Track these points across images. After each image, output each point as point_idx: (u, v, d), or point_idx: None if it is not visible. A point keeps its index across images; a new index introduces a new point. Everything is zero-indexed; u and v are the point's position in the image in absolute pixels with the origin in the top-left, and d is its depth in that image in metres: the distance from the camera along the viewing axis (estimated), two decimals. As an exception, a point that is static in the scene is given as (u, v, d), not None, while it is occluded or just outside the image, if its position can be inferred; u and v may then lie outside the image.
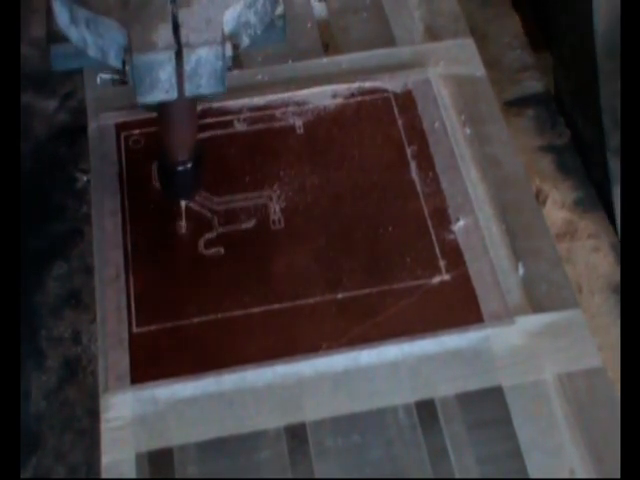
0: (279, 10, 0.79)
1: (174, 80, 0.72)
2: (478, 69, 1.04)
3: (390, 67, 1.03)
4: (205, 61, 0.71)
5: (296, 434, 0.81)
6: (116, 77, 1.01)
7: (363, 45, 1.06)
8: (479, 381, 0.83)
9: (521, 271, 0.89)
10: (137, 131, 0.98)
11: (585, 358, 0.84)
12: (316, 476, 0.79)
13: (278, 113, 1.00)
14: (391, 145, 0.97)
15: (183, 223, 0.91)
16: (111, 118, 1.00)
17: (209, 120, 0.99)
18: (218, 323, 0.86)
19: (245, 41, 0.75)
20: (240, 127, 0.99)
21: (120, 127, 0.99)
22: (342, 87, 1.01)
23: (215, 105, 1.00)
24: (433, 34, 1.08)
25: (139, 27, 0.71)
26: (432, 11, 1.10)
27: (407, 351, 0.84)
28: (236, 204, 0.93)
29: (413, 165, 0.96)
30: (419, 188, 0.94)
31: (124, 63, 0.72)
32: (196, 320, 0.86)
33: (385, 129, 0.99)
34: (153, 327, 0.86)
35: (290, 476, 0.79)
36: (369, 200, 0.93)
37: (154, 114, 0.99)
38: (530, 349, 0.84)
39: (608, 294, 0.98)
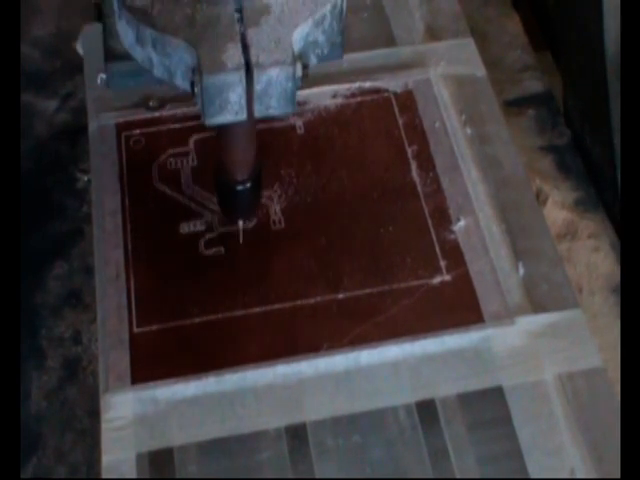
0: (341, 26, 0.77)
1: (244, 101, 0.70)
2: (478, 69, 1.04)
3: (390, 67, 1.03)
4: (275, 82, 0.69)
5: (297, 434, 0.81)
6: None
7: (363, 45, 1.06)
8: (479, 381, 0.83)
9: (521, 271, 0.89)
10: (137, 131, 0.98)
11: (585, 358, 0.84)
12: (316, 476, 0.79)
13: (278, 113, 1.00)
14: (391, 145, 0.97)
15: (240, 240, 0.90)
16: (111, 118, 0.99)
17: (209, 120, 0.99)
18: (219, 323, 0.86)
19: (313, 60, 0.73)
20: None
21: (121, 127, 0.99)
22: (342, 87, 1.01)
23: (215, 105, 1.00)
24: (433, 34, 1.08)
25: (208, 47, 0.69)
26: (432, 11, 1.10)
27: (408, 351, 0.84)
28: (236, 204, 0.93)
29: (413, 165, 0.96)
30: (419, 188, 0.94)
31: (192, 84, 0.70)
32: (197, 320, 0.86)
33: (385, 129, 0.99)
34: (154, 327, 0.86)
35: (290, 476, 0.79)
36: (369, 200, 0.93)
37: (155, 114, 0.99)
38: (530, 349, 0.84)
39: (608, 294, 0.98)
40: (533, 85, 1.15)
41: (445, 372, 0.83)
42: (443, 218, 0.92)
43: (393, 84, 1.02)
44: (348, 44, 1.06)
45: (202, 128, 0.98)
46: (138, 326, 0.86)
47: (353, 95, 1.01)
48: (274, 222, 0.92)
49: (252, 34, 0.70)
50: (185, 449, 0.80)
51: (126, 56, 0.76)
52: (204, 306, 0.87)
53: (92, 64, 1.05)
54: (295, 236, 0.91)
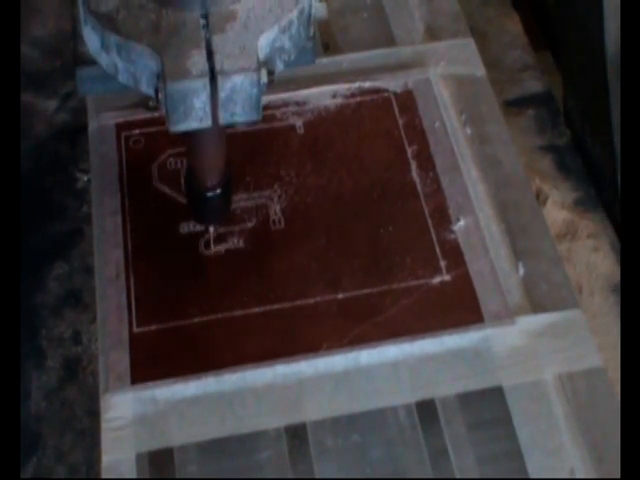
0: (309, 31, 0.77)
1: (208, 108, 0.69)
2: (478, 69, 1.04)
3: (390, 67, 1.03)
4: (240, 88, 0.69)
5: (296, 434, 0.81)
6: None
7: (363, 45, 1.06)
8: (479, 381, 0.83)
9: (521, 271, 0.89)
10: (137, 131, 0.98)
11: (585, 358, 0.84)
12: (316, 476, 0.79)
13: (278, 113, 1.00)
14: (391, 145, 0.97)
15: (211, 247, 0.90)
16: (111, 118, 1.00)
17: (209, 120, 0.99)
18: (218, 323, 0.86)
19: (279, 67, 0.73)
20: (240, 127, 0.99)
21: (120, 127, 0.99)
22: (342, 87, 1.01)
23: (215, 105, 1.00)
24: (433, 34, 1.08)
25: (172, 53, 0.68)
26: (432, 11, 1.10)
27: (407, 351, 0.84)
28: (236, 204, 0.93)
29: (413, 165, 0.96)
30: (419, 188, 0.94)
31: (157, 90, 0.70)
32: (196, 320, 0.86)
33: (385, 129, 0.99)
34: (153, 327, 0.86)
35: (290, 476, 0.79)
36: (369, 200, 0.93)
37: (155, 114, 0.99)
38: (530, 349, 0.84)
39: (608, 294, 0.98)
40: (533, 85, 1.15)
41: (445, 372, 0.83)
42: (443, 218, 0.92)
43: (393, 84, 1.02)
44: (348, 44, 1.07)
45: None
46: (138, 326, 0.86)
47: (353, 95, 1.01)
48: (274, 222, 0.92)
49: (217, 40, 0.69)
50: (185, 449, 0.80)
51: (94, 61, 0.75)
52: (204, 306, 0.87)
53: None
54: (295, 236, 0.91)
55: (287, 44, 0.72)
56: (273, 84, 0.71)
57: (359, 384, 0.83)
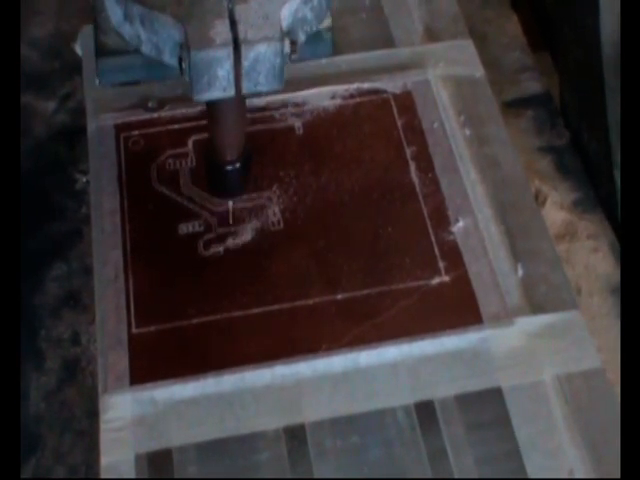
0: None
1: (232, 77, 0.70)
2: (477, 70, 1.04)
3: (389, 68, 1.03)
4: (263, 57, 0.69)
5: (295, 435, 0.81)
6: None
7: (362, 46, 1.06)
8: (478, 382, 0.83)
9: (520, 272, 0.89)
10: (136, 132, 0.98)
11: (584, 359, 0.84)
12: (315, 477, 0.79)
13: (277, 114, 1.00)
14: (390, 146, 0.97)
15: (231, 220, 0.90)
16: (110, 119, 1.00)
17: (209, 121, 0.99)
18: (217, 324, 0.86)
19: (301, 37, 0.73)
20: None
21: (119, 128, 0.99)
22: (341, 88, 1.01)
23: (214, 106, 1.00)
24: (432, 35, 1.08)
25: (195, 23, 0.69)
26: (431, 12, 1.10)
27: (406, 352, 0.84)
28: (236, 204, 0.93)
29: (412, 166, 0.96)
30: (418, 189, 0.94)
31: (180, 60, 0.70)
32: (195, 321, 0.86)
33: (384, 130, 0.99)
34: (152, 328, 0.86)
35: (289, 477, 0.79)
36: (368, 201, 0.93)
37: (154, 115, 0.99)
38: (529, 350, 0.84)
39: (607, 295, 0.98)
40: (532, 86, 1.15)
41: (444, 373, 0.83)
42: (442, 219, 0.92)
43: (392, 85, 1.02)
44: (347, 45, 1.07)
45: (201, 129, 0.98)
46: (137, 327, 0.86)
47: (352, 96, 1.01)
48: (273, 223, 0.92)
49: (240, 10, 0.70)
50: (184, 450, 0.80)
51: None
52: (203, 307, 0.87)
53: (91, 65, 1.04)
54: (294, 237, 0.91)
55: (309, 15, 0.73)
56: (296, 55, 0.72)
57: (358, 385, 0.83)
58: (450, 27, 1.08)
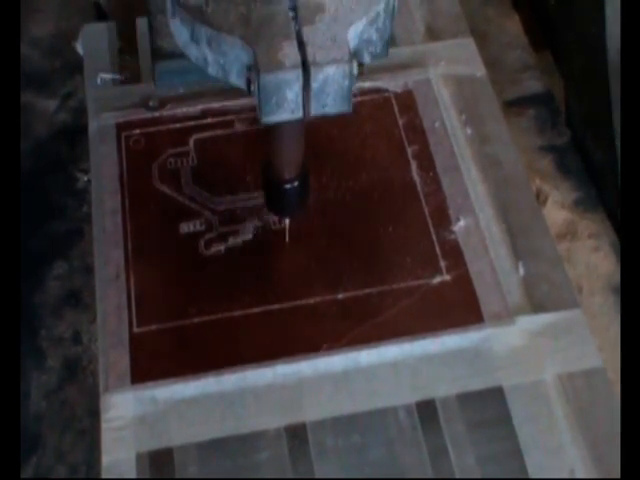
0: (393, 24, 0.77)
1: (300, 99, 0.70)
2: (478, 69, 1.04)
3: (390, 67, 1.03)
4: (332, 80, 0.69)
5: (296, 434, 0.81)
6: (117, 77, 1.02)
7: (363, 45, 1.06)
8: (479, 381, 0.83)
9: (521, 271, 0.89)
10: (137, 131, 0.98)
11: (585, 358, 0.84)
12: (316, 476, 0.79)
13: (278, 113, 1.00)
14: (391, 145, 0.97)
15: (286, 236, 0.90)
16: (111, 118, 1.00)
17: (209, 120, 0.99)
18: (218, 323, 0.86)
19: (366, 59, 0.73)
20: (240, 127, 0.99)
21: (121, 127, 0.99)
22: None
23: (215, 105, 1.00)
24: (433, 34, 1.08)
25: (264, 45, 0.69)
26: (432, 11, 1.10)
27: (407, 351, 0.84)
28: (236, 204, 0.93)
29: (413, 165, 0.96)
30: (419, 188, 0.94)
31: (249, 82, 0.70)
32: (196, 320, 0.86)
33: (385, 129, 0.99)
34: (153, 327, 0.86)
35: (290, 476, 0.79)
36: (369, 200, 0.93)
37: (155, 114, 0.99)
38: (530, 349, 0.84)
39: (608, 294, 0.98)
40: (533, 85, 1.15)
41: (445, 372, 0.83)
42: (443, 218, 0.92)
43: (393, 84, 1.02)
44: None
45: (202, 128, 0.98)
46: (138, 326, 0.86)
47: (353, 95, 1.00)
48: (274, 222, 0.92)
49: (308, 32, 0.69)
50: (185, 449, 0.80)
51: (173, 55, 0.76)
52: (204, 306, 0.87)
53: (92, 64, 1.05)
54: (295, 236, 0.91)
55: (374, 36, 0.73)
56: (362, 76, 0.71)
57: (359, 384, 0.83)
58: (451, 26, 1.08)
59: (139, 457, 0.80)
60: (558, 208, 1.04)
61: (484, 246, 0.90)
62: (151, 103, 1.00)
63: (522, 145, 1.07)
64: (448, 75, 1.03)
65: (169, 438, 0.81)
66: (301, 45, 0.69)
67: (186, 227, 0.92)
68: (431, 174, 0.95)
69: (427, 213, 0.92)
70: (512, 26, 1.21)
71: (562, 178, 1.07)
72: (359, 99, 1.01)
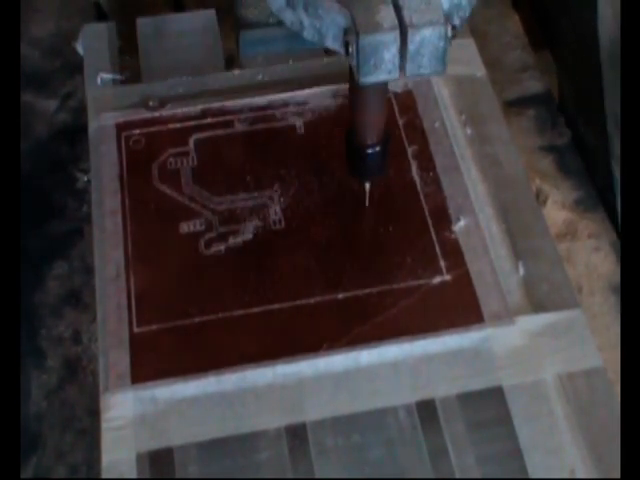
0: None
1: (397, 60, 0.72)
2: (478, 69, 1.04)
3: (390, 67, 1.03)
4: (428, 41, 0.72)
5: (296, 434, 0.81)
6: (117, 77, 1.02)
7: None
8: (479, 381, 0.83)
9: (521, 271, 0.89)
10: (137, 131, 0.98)
11: (585, 358, 0.84)
12: (316, 476, 0.79)
13: (278, 113, 1.00)
14: (391, 145, 0.97)
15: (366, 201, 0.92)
16: (111, 118, 0.99)
17: (209, 120, 0.99)
18: (219, 323, 0.86)
19: (457, 22, 0.75)
20: (240, 127, 0.99)
21: (120, 127, 0.99)
22: (342, 87, 1.01)
23: (215, 105, 1.00)
24: (433, 34, 1.07)
25: (361, 8, 0.71)
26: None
27: (407, 351, 0.84)
28: (236, 204, 0.93)
29: (413, 165, 0.96)
30: (419, 188, 0.94)
31: (346, 44, 0.72)
32: (197, 320, 0.86)
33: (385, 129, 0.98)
34: (154, 327, 0.86)
35: (290, 476, 0.79)
36: (369, 200, 0.93)
37: (155, 114, 0.99)
38: (530, 349, 0.84)
39: (608, 294, 0.98)
40: (533, 85, 1.15)
41: (445, 372, 0.83)
42: (443, 218, 0.92)
43: (393, 84, 1.02)
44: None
45: (202, 128, 0.98)
46: (138, 326, 0.86)
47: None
48: (274, 222, 0.92)
49: None
50: (185, 449, 0.80)
51: (257, 24, 0.77)
52: (204, 306, 0.87)
53: (92, 64, 1.05)
54: (295, 236, 0.91)
55: (463, 1, 0.75)
56: (455, 39, 0.74)
57: (359, 384, 0.83)
58: (451, 26, 1.08)
59: (139, 457, 0.80)
60: (558, 208, 1.04)
61: (484, 246, 0.90)
62: (151, 103, 1.00)
63: (522, 145, 1.07)
64: (448, 75, 1.03)
65: (169, 438, 0.81)
66: (397, 8, 0.72)
67: (186, 227, 0.92)
68: (431, 174, 0.95)
69: (427, 213, 0.92)
70: (512, 26, 1.21)
71: (562, 178, 1.07)
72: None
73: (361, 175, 0.91)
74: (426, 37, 0.71)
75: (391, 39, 0.71)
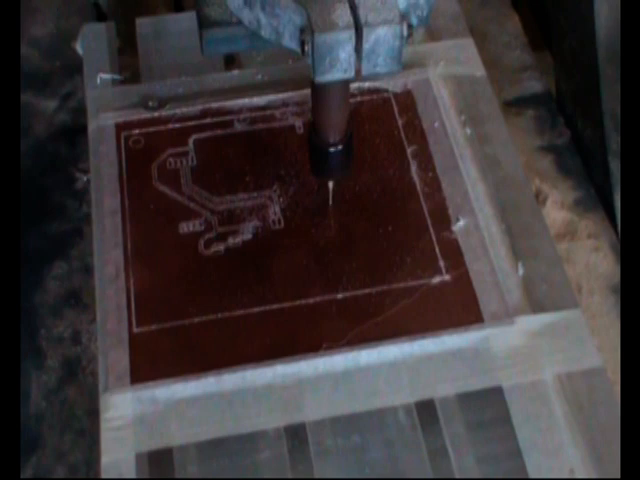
0: None
1: (353, 59, 0.73)
2: (478, 69, 1.04)
3: (390, 67, 1.03)
4: (383, 40, 0.72)
5: (296, 434, 0.81)
6: (116, 77, 1.02)
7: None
8: (479, 381, 0.83)
9: (521, 271, 0.89)
10: (137, 131, 0.98)
11: (585, 358, 0.84)
12: (316, 476, 0.79)
13: (278, 113, 1.00)
14: (391, 145, 0.97)
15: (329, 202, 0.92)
16: (111, 118, 0.99)
17: (208, 120, 0.99)
18: (218, 323, 0.86)
19: (414, 21, 0.75)
20: (240, 127, 0.99)
21: (120, 127, 0.99)
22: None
23: (215, 105, 1.00)
24: (433, 34, 1.08)
25: (317, 7, 0.72)
26: (432, 11, 1.10)
27: (407, 351, 0.84)
28: (236, 204, 0.93)
29: (413, 165, 0.96)
30: (419, 188, 0.94)
31: (302, 43, 0.72)
32: (196, 320, 0.86)
33: (385, 129, 0.99)
34: (153, 327, 0.86)
35: (290, 476, 0.79)
36: (369, 200, 0.93)
37: (154, 114, 0.99)
38: (530, 349, 0.84)
39: (608, 294, 0.98)
40: (532, 85, 1.15)
41: (444, 372, 0.83)
42: (442, 218, 0.92)
43: (392, 84, 1.02)
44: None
45: (201, 128, 0.98)
46: (137, 326, 0.86)
47: (352, 95, 1.01)
48: (274, 222, 0.92)
49: None
50: (184, 449, 0.80)
51: (220, 23, 0.77)
52: (203, 306, 0.87)
53: (91, 64, 1.05)
54: (295, 236, 0.91)
55: (421, 0, 0.75)
56: (412, 39, 0.74)
57: (359, 384, 0.83)
58: (451, 26, 1.08)
59: (139, 457, 0.80)
60: (558, 208, 1.04)
61: (483, 246, 0.90)
62: (150, 103, 1.00)
63: (522, 145, 1.07)
64: (447, 75, 1.03)
65: (169, 438, 0.81)
66: (352, 7, 0.72)
67: (186, 227, 0.92)
68: (430, 174, 0.95)
69: (427, 213, 0.92)
70: (511, 26, 1.21)
71: (561, 178, 1.07)
72: (358, 99, 1.01)
73: (323, 175, 0.91)
74: (381, 36, 0.72)
75: (346, 38, 0.71)
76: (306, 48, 0.72)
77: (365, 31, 0.71)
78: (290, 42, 0.74)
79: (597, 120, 1.00)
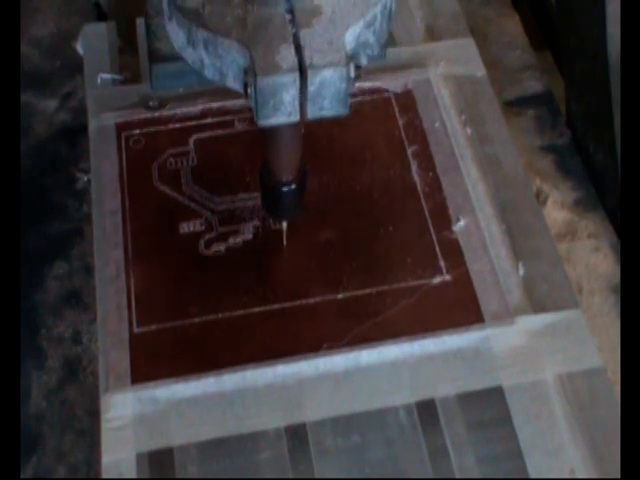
0: (391, 27, 0.77)
1: (297, 103, 0.70)
2: (478, 69, 1.04)
3: (390, 67, 1.03)
4: (329, 83, 0.69)
5: (296, 434, 0.81)
6: (117, 77, 1.02)
7: (363, 45, 1.06)
8: (479, 381, 0.83)
9: (521, 271, 0.89)
10: (137, 131, 0.98)
11: (585, 358, 0.84)
12: (316, 476, 0.79)
13: (278, 113, 1.00)
14: (391, 145, 0.97)
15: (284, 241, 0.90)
16: (111, 118, 1.00)
17: (209, 120, 0.99)
18: (218, 323, 0.86)
19: (363, 61, 0.73)
20: (240, 127, 0.99)
21: (120, 127, 0.99)
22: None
23: (215, 105, 1.00)
24: (433, 34, 1.08)
25: (261, 48, 0.69)
26: (433, 11, 1.10)
27: (407, 351, 0.84)
28: (236, 204, 0.93)
29: (413, 165, 0.96)
30: (419, 188, 0.94)
31: (245, 85, 0.70)
32: (197, 320, 0.86)
33: (385, 129, 0.99)
34: (154, 327, 0.86)
35: (290, 476, 0.79)
36: (369, 200, 0.93)
37: (155, 114, 0.99)
38: (530, 349, 0.84)
39: (608, 294, 0.98)
40: (533, 85, 1.15)
41: (445, 372, 0.83)
42: (443, 218, 0.92)
43: (393, 84, 1.02)
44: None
45: (202, 128, 0.98)
46: (138, 326, 0.86)
47: (353, 95, 1.00)
48: (274, 222, 0.92)
49: (304, 35, 0.70)
50: (185, 449, 0.80)
51: (170, 57, 0.76)
52: (204, 306, 0.87)
53: (92, 64, 1.05)
54: (295, 236, 0.91)
55: (371, 39, 0.73)
56: (361, 77, 0.71)
57: (359, 384, 0.83)
58: (451, 26, 1.08)
59: (139, 457, 0.80)
60: (558, 208, 1.04)
61: (484, 246, 0.90)
62: (151, 103, 1.00)
63: (522, 145, 1.07)
64: (448, 75, 1.03)
65: (169, 438, 0.81)
66: (298, 48, 0.69)
67: (186, 227, 0.92)
68: (431, 174, 0.95)
69: (427, 213, 0.92)
70: (512, 26, 1.21)
71: (562, 178, 1.07)
72: (359, 99, 1.01)
73: (275, 214, 0.89)
74: (327, 78, 0.69)
75: (290, 81, 0.68)
76: (249, 90, 0.69)
77: (310, 73, 0.68)
78: (234, 83, 0.71)
79: (609, 144, 0.99)
